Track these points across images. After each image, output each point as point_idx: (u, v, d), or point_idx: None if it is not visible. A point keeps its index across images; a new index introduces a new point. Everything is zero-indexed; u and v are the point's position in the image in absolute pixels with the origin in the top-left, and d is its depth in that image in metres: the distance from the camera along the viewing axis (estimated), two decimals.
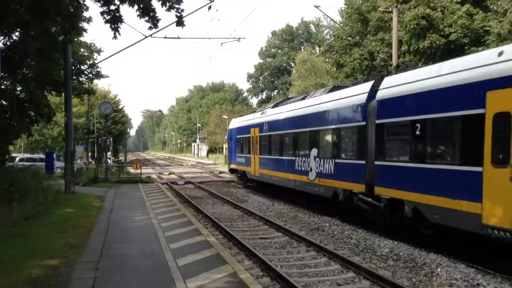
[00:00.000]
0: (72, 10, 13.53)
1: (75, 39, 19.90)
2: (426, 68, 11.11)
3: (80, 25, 18.28)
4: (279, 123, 19.62)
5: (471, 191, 8.67)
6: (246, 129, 24.94)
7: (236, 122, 28.61)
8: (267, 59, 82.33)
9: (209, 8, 14.13)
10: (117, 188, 23.64)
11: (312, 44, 67.37)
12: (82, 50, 24.36)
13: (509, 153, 7.86)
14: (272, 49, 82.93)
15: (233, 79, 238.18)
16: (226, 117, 61.48)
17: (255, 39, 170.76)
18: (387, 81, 11.97)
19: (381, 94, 11.87)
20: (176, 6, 10.53)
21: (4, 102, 18.86)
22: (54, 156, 28.97)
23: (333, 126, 14.60)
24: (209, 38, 51.40)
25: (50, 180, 20.25)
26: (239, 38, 23.42)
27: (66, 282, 7.07)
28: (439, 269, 8.73)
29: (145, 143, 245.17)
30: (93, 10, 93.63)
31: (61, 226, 11.83)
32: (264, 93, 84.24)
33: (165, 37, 21.24)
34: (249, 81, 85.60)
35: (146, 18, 10.61)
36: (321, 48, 50.57)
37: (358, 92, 13.35)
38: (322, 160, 15.31)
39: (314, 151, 15.94)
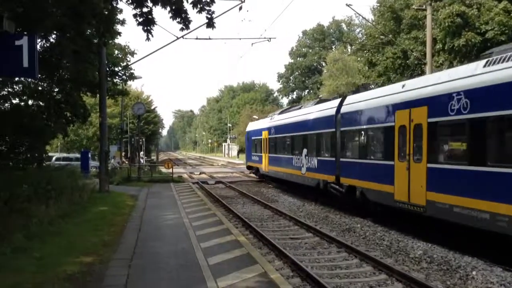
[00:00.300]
0: (106, 13, 13.84)
1: (110, 42, 20.34)
2: (367, 92, 15.48)
3: (114, 27, 18.67)
4: (282, 128, 23.77)
5: (389, 178, 12.60)
6: (259, 131, 29.04)
7: (252, 126, 33.13)
8: (298, 58, 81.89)
9: (240, 8, 14.23)
10: (150, 187, 24.03)
11: (343, 43, 66.70)
12: (116, 52, 24.88)
13: (406, 152, 11.86)
14: (303, 49, 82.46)
15: (264, 79, 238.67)
16: (257, 117, 61.52)
17: (285, 39, 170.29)
18: (347, 99, 16.33)
19: (343, 109, 16.23)
20: (207, 8, 10.64)
21: (41, 103, 19.43)
22: (89, 155, 29.68)
23: (316, 131, 18.81)
24: (240, 39, 51.60)
25: (85, 179, 20.73)
26: (270, 38, 23.38)
27: (100, 279, 7.24)
28: (474, 272, 8.51)
29: (176, 143, 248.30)
30: (127, 12, 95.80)
31: (96, 224, 12.13)
32: (295, 93, 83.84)
33: (197, 38, 21.44)
34: (279, 81, 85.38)
35: (178, 19, 10.75)
36: (353, 47, 50.10)
37: (331, 106, 17.52)
38: (309, 158, 19.48)
39: (305, 151, 20.03)
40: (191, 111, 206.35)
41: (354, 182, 14.97)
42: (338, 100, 17.12)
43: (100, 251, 9.10)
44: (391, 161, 12.49)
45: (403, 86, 12.59)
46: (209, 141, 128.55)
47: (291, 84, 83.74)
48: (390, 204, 12.62)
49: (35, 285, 6.72)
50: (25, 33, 6.98)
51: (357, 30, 71.52)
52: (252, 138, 31.22)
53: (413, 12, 29.85)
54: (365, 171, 14.26)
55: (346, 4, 22.30)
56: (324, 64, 73.44)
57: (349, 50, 62.32)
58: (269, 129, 26.43)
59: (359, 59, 45.41)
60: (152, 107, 70.62)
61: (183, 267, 7.96)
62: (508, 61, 8.90)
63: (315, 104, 20.13)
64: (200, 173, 39.41)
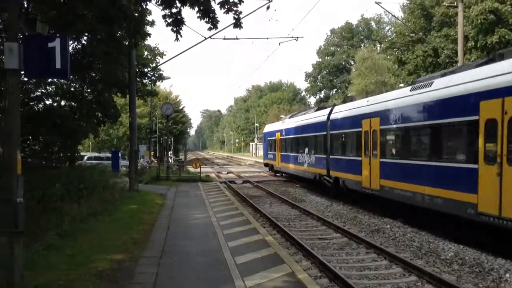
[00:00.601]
0: (136, 15, 14.06)
1: (140, 43, 20.64)
2: (348, 104, 19.39)
3: (144, 29, 18.95)
4: (290, 130, 27.99)
5: (359, 170, 16.59)
6: (273, 133, 33.38)
7: (267, 128, 38.22)
8: (326, 57, 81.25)
9: (268, 8, 14.18)
10: (178, 186, 24.28)
11: (372, 41, 65.82)
12: (145, 53, 25.25)
13: (368, 150, 15.83)
14: (331, 47, 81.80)
15: (291, 78, 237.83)
16: (283, 117, 61.46)
17: (313, 38, 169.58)
18: (335, 109, 20.52)
19: (331, 116, 20.27)
20: (234, 8, 10.68)
21: (73, 104, 19.88)
22: (119, 155, 30.20)
23: (313, 134, 22.92)
24: (267, 38, 51.76)
25: (116, 178, 21.11)
26: (297, 37, 23.26)
27: (130, 276, 7.36)
28: (508, 275, 8.27)
29: (204, 142, 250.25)
30: (156, 13, 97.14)
31: (126, 222, 12.34)
32: (323, 92, 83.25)
33: (224, 38, 21.55)
34: (307, 80, 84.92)
35: (206, 19, 10.84)
36: (382, 45, 49.33)
37: (323, 114, 21.55)
38: (309, 155, 23.51)
39: (306, 150, 24.07)
40: (219, 110, 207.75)
41: (338, 174, 19.23)
42: (329, 109, 21.37)
43: (130, 248, 9.25)
44: (360, 157, 16.63)
45: (367, 101, 16.79)
46: (237, 140, 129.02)
47: (318, 83, 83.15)
48: (359, 189, 16.78)
49: (67, 282, 6.88)
50: (58, 35, 7.11)
51: (387, 28, 70.60)
52: (268, 138, 35.99)
53: (444, 9, 29.21)
54: (344, 165, 18.50)
55: (376, 2, 21.94)
56: (352, 62, 72.63)
57: (378, 48, 61.47)
58: (280, 131, 30.91)
59: (388, 57, 44.78)
60: (180, 107, 71.28)
61: (211, 265, 8.01)
62: (422, 88, 12.92)
63: (315, 111, 24.40)
64: (227, 173, 39.58)
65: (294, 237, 11.44)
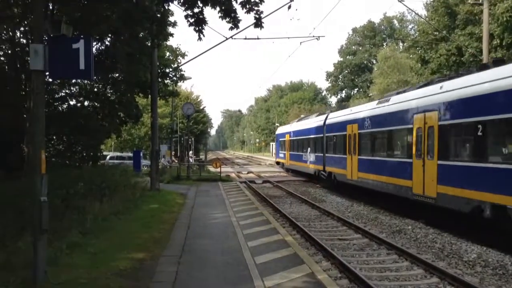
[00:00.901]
0: (159, 16, 14.22)
1: (162, 43, 20.83)
2: (338, 111, 23.72)
3: (166, 29, 19.13)
4: (297, 132, 32.24)
5: (345, 165, 20.46)
6: (284, 135, 37.81)
7: (279, 130, 43.57)
8: (347, 56, 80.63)
9: (289, 7, 14.13)
10: (198, 186, 24.44)
11: (395, 40, 65.12)
12: (167, 54, 25.50)
13: (351, 150, 19.66)
14: (353, 47, 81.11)
15: (312, 78, 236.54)
16: (303, 116, 61.35)
17: (334, 37, 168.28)
18: (330, 115, 24.38)
19: (326, 121, 24.18)
20: (256, 8, 10.71)
21: (96, 104, 20.19)
22: (141, 154, 30.52)
23: (313, 136, 27.04)
24: (288, 38, 51.60)
25: (137, 177, 21.36)
26: (319, 37, 23.16)
27: (151, 274, 7.44)
28: None
29: (225, 142, 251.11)
30: (178, 14, 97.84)
31: (147, 221, 12.47)
32: (344, 91, 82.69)
33: (245, 38, 21.56)
34: (328, 80, 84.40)
35: (227, 19, 10.90)
36: (405, 43, 48.74)
37: (321, 119, 25.56)
38: (310, 154, 27.58)
39: (308, 149, 28.15)
40: (239, 110, 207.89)
41: (331, 169, 23.11)
42: (326, 115, 25.33)
43: (150, 247, 9.35)
44: (345, 155, 20.58)
45: (351, 110, 21.14)
46: (257, 140, 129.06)
47: (340, 83, 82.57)
48: (345, 181, 20.70)
49: (89, 280, 6.99)
50: (82, 36, 7.23)
51: (410, 27, 69.66)
52: (280, 139, 40.58)
53: (468, 7, 28.67)
54: (335, 162, 22.29)
55: (399, 0, 21.66)
56: (374, 62, 71.92)
57: (400, 47, 60.74)
58: (289, 133, 35.14)
59: (411, 56, 44.15)
60: (201, 107, 71.73)
61: (230, 265, 8.04)
62: (383, 103, 16.89)
63: (316, 116, 28.69)
64: (247, 173, 39.65)
65: (314, 237, 11.39)
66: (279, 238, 10.42)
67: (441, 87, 12.89)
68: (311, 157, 27.34)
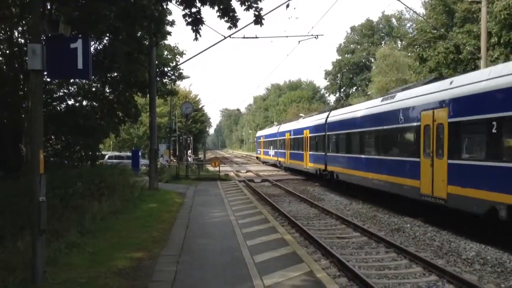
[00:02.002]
0: (157, 14, 14.20)
1: (160, 42, 20.81)
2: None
3: (164, 28, 19.11)
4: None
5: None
6: (259, 137, 50.00)
7: (258, 133, 58.53)
8: (346, 55, 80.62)
9: (287, 6, 14.18)
10: (197, 185, 24.43)
11: (393, 38, 65.07)
12: (165, 53, 25.45)
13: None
14: (351, 45, 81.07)
15: (311, 77, 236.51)
16: (303, 115, 61.35)
17: (333, 36, 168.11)
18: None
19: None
20: (255, 5, 10.70)
21: (95, 104, 20.17)
22: (140, 154, 30.50)
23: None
24: (287, 37, 52.00)
25: (136, 176, 21.34)
26: (317, 36, 23.08)
27: (149, 274, 7.44)
28: None
29: (223, 141, 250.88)
30: (176, 13, 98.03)
31: (145, 220, 12.48)
32: (342, 90, 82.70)
33: (244, 37, 21.59)
34: (326, 79, 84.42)
35: (226, 18, 10.89)
36: (403, 42, 48.74)
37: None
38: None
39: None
40: (238, 109, 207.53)
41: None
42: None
43: (149, 247, 9.36)
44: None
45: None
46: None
47: (338, 81, 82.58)
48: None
49: (88, 279, 6.99)
50: (80, 36, 7.24)
51: (408, 25, 69.61)
52: (258, 141, 56.39)
53: (466, 5, 28.71)
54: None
55: None
56: (373, 60, 71.92)
57: (399, 45, 60.76)
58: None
59: (409, 54, 44.17)
60: (200, 106, 71.69)
61: (229, 264, 8.04)
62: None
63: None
64: (246, 171, 39.64)
65: (312, 236, 11.40)
66: (278, 236, 10.43)
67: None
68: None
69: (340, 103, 28.22)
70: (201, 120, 71.34)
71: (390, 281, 8.16)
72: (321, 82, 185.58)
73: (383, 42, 76.20)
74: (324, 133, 24.54)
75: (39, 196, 6.60)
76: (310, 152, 27.86)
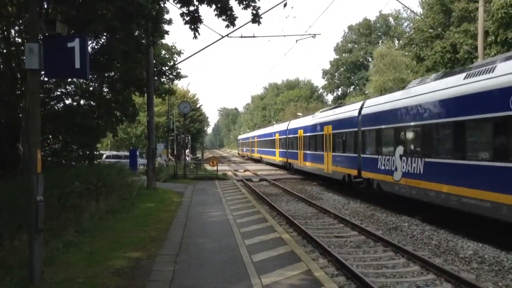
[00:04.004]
0: (154, 13, 14.19)
1: (158, 41, 20.78)
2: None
3: (161, 27, 19.09)
4: (246, 138, 57.25)
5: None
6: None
7: (240, 136, 70.41)
8: (343, 54, 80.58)
9: (285, 5, 14.14)
10: (195, 184, 24.42)
11: (391, 37, 65.10)
12: (163, 52, 25.43)
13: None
14: (349, 44, 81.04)
15: (308, 76, 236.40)
16: (301, 114, 61.34)
17: (330, 35, 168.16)
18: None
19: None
20: (253, 4, 10.71)
21: (92, 103, 20.14)
22: (137, 153, 30.46)
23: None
24: (284, 36, 51.81)
25: (134, 176, 21.32)
26: (315, 35, 23.12)
27: (147, 273, 7.44)
28: None
29: (221, 140, 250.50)
30: (173, 12, 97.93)
31: (143, 220, 12.47)
32: (340, 89, 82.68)
33: (241, 36, 21.79)
34: (324, 78, 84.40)
35: (224, 17, 10.90)
36: (401, 41, 48.79)
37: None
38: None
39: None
40: (236, 108, 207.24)
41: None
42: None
43: (147, 246, 9.35)
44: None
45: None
46: None
47: (336, 81, 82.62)
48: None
49: (86, 278, 6.99)
50: (77, 35, 7.22)
51: (405, 24, 69.63)
52: (240, 142, 67.87)
53: (463, 4, 28.78)
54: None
55: None
56: (370, 59, 71.97)
57: (396, 44, 60.78)
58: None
59: (406, 53, 44.26)
60: (198, 106, 71.56)
61: (227, 263, 8.04)
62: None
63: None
64: (244, 171, 39.62)
65: (310, 235, 11.41)
66: (276, 236, 10.44)
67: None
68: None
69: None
70: (199, 120, 71.21)
71: (388, 280, 8.17)
72: (319, 81, 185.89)
73: (380, 41, 76.22)
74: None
75: (37, 195, 6.59)
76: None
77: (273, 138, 42.71)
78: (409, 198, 14.19)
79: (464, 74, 11.62)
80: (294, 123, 34.70)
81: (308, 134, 28.18)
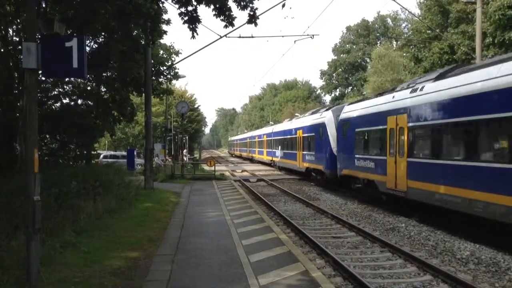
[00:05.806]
0: (153, 13, 14.17)
1: (156, 41, 20.75)
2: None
3: (160, 27, 19.06)
4: (235, 140, 68.51)
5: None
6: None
7: (231, 138, 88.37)
8: (341, 55, 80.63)
9: (283, 6, 14.13)
10: (192, 184, 24.41)
11: (389, 38, 65.21)
12: (161, 52, 25.39)
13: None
14: (347, 45, 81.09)
15: (306, 76, 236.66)
16: (299, 115, 61.43)
17: (329, 36, 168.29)
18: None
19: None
20: (250, 5, 10.72)
21: (90, 103, 20.09)
22: (135, 153, 30.42)
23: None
24: (282, 36, 51.65)
25: (131, 176, 21.29)
26: (313, 35, 23.14)
27: (144, 273, 7.44)
28: None
29: (219, 140, 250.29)
30: (172, 12, 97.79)
31: (141, 220, 12.46)
32: (338, 90, 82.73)
33: (239, 37, 21.69)
34: (322, 78, 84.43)
35: (222, 17, 10.90)
36: (398, 42, 48.88)
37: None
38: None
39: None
40: (234, 109, 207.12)
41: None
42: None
43: (144, 246, 9.35)
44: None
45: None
46: None
47: (334, 81, 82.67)
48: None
49: (83, 278, 6.98)
50: (75, 35, 7.22)
51: (403, 25, 69.78)
52: (231, 142, 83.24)
53: (461, 5, 28.81)
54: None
55: None
56: (368, 60, 72.05)
57: (394, 45, 60.88)
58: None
59: (404, 54, 44.35)
60: (196, 106, 71.55)
61: (225, 263, 8.04)
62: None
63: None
64: (242, 171, 39.63)
65: (308, 235, 11.42)
66: (273, 236, 10.45)
67: None
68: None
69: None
70: (196, 120, 71.23)
71: (385, 280, 8.19)
72: (317, 82, 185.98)
73: (378, 42, 76.31)
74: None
75: (34, 195, 6.57)
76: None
77: (262, 139, 47.20)
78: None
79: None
80: (278, 127, 40.19)
81: (287, 136, 33.11)
